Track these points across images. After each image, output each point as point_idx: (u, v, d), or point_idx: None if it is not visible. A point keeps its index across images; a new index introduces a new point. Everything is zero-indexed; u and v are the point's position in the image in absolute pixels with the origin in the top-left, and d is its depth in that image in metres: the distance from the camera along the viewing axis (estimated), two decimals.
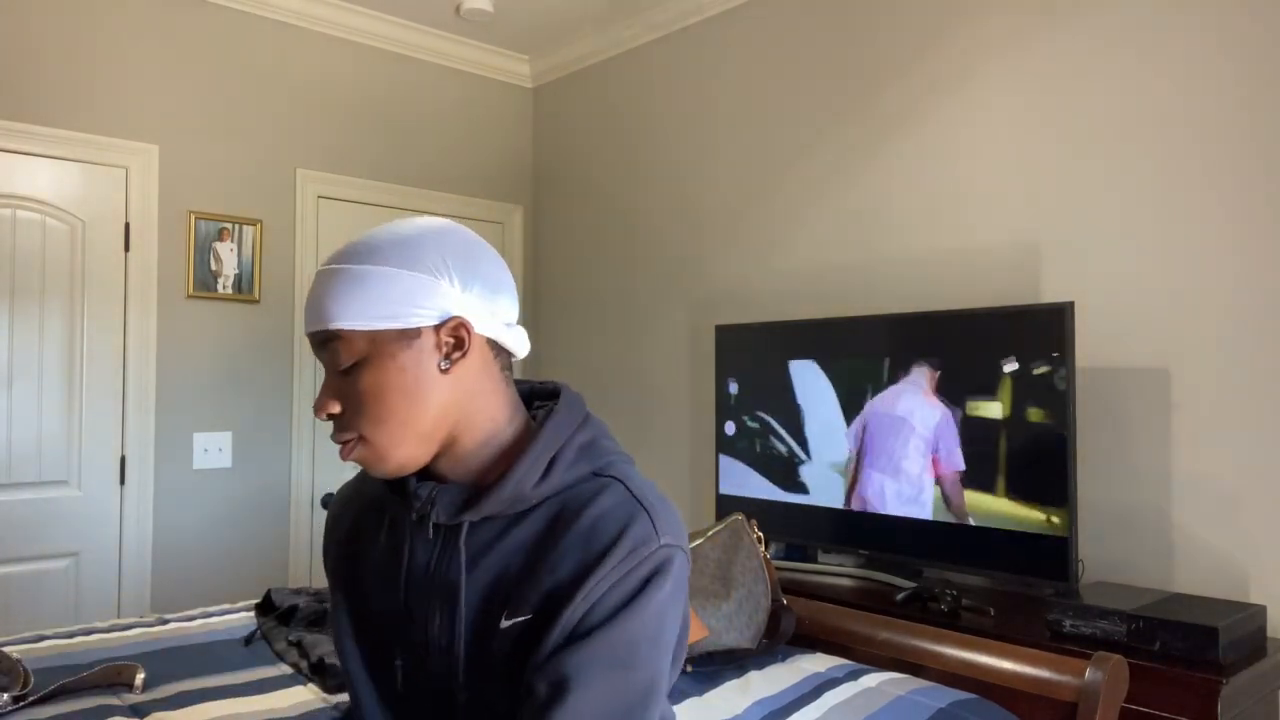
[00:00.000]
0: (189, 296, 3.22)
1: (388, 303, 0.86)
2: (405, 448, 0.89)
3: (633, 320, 3.74)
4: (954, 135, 2.70)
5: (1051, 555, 2.18)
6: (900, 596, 2.32)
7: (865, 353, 2.60)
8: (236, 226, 3.33)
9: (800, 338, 2.77)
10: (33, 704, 1.58)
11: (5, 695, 1.55)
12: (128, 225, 3.11)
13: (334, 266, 0.89)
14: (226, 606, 2.30)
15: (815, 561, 2.81)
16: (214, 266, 3.27)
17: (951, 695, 1.70)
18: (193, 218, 3.23)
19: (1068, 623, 1.99)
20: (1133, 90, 2.34)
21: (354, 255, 0.89)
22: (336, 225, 3.63)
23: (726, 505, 2.97)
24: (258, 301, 3.38)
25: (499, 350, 0.93)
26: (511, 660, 0.87)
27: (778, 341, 2.83)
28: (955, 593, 2.25)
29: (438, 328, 0.88)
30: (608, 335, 3.85)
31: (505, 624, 0.87)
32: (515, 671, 0.87)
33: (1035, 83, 2.52)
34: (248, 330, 3.36)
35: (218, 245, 3.28)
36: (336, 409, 0.90)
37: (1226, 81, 2.18)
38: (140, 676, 1.67)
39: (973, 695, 1.72)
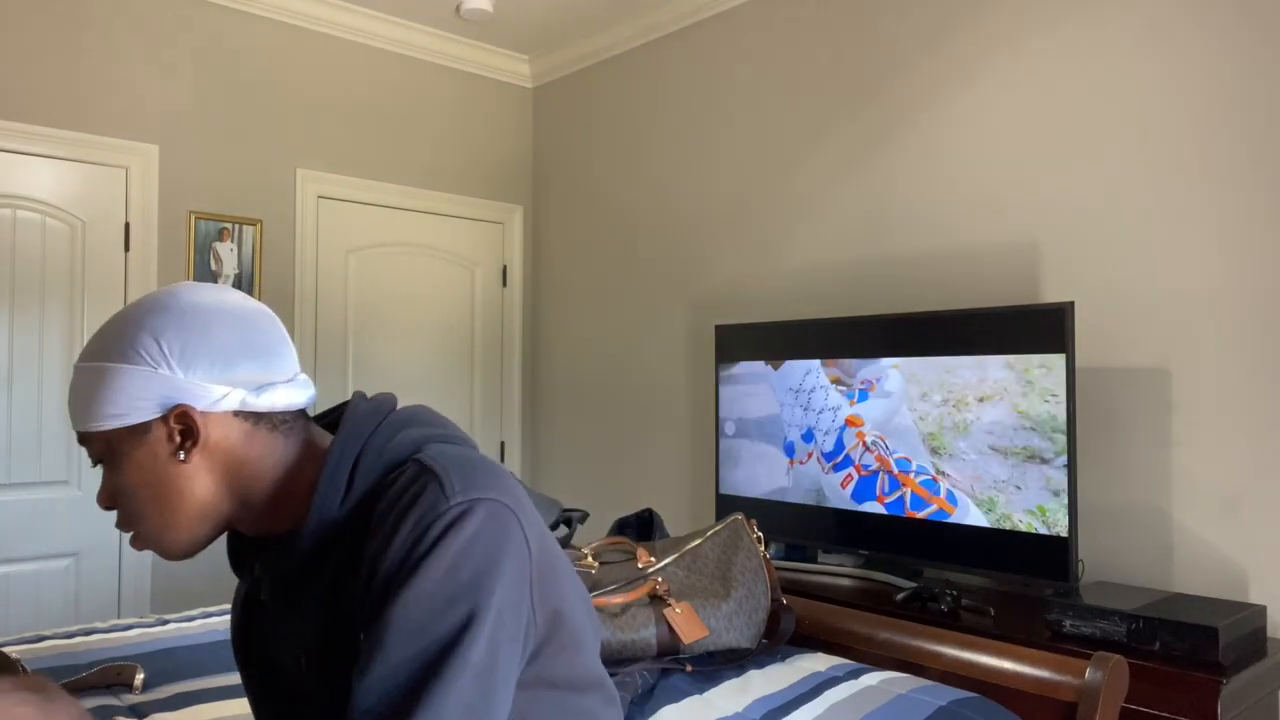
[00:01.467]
0: None
1: (107, 401, 0.83)
2: (177, 534, 0.87)
3: (633, 320, 3.74)
4: (954, 135, 2.70)
5: (1051, 555, 2.18)
6: (900, 596, 2.32)
7: (865, 353, 2.60)
8: (236, 226, 3.33)
9: (800, 338, 2.77)
10: None
11: None
12: (128, 225, 3.11)
13: (76, 364, 0.87)
14: (226, 606, 2.29)
15: (815, 561, 2.81)
16: (214, 266, 3.27)
17: (952, 694, 1.70)
18: (193, 218, 3.23)
19: (1068, 623, 1.99)
20: (1133, 90, 2.34)
21: (86, 351, 0.86)
22: (336, 225, 3.63)
23: (726, 505, 2.96)
24: None
25: (263, 414, 0.88)
26: None
27: (778, 341, 2.83)
28: (955, 593, 2.25)
29: (164, 419, 0.84)
30: (607, 335, 3.85)
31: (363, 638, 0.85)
32: None
33: (1035, 82, 2.52)
34: None
35: (218, 245, 3.28)
36: (107, 503, 0.88)
37: (1227, 82, 2.18)
38: (140, 676, 1.67)
39: (974, 694, 1.72)
